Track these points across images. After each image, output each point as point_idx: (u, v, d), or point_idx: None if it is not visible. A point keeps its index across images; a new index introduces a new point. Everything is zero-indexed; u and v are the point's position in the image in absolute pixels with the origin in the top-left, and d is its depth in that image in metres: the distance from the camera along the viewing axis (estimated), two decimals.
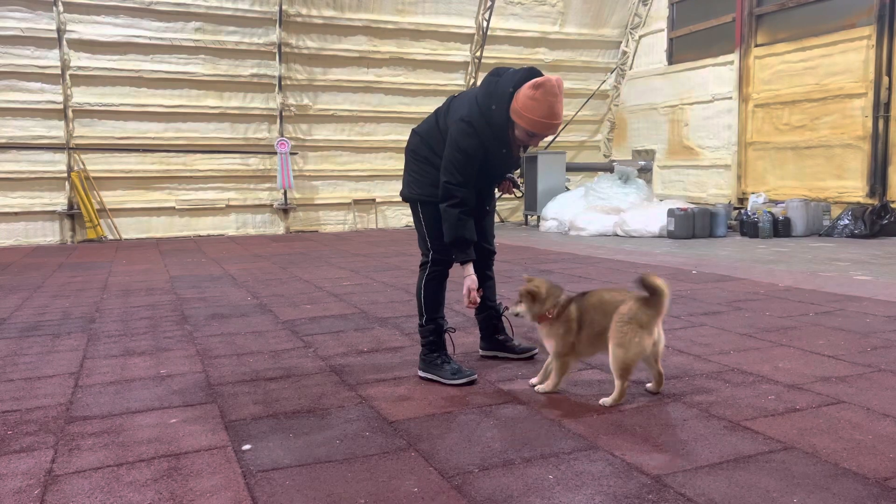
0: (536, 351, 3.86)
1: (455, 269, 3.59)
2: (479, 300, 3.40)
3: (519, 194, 3.85)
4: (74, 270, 8.35)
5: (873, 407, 2.92)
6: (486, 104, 3.25)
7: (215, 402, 3.19)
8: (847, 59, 10.94)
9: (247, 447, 2.64)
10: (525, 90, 3.15)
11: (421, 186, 3.47)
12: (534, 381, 3.33)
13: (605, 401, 3.02)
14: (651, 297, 2.98)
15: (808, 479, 2.26)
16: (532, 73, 3.22)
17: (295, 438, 2.72)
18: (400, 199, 3.64)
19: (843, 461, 2.39)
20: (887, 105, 10.39)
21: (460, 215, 3.27)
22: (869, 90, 10.61)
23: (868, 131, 10.64)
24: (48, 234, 12.28)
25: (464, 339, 4.24)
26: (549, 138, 14.37)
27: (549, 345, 3.18)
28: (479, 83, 3.19)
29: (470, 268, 3.35)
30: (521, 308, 3.22)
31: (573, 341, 3.12)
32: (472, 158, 3.26)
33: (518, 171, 3.70)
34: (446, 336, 3.55)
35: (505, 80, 3.26)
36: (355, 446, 2.63)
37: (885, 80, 10.35)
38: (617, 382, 3.01)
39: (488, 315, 3.82)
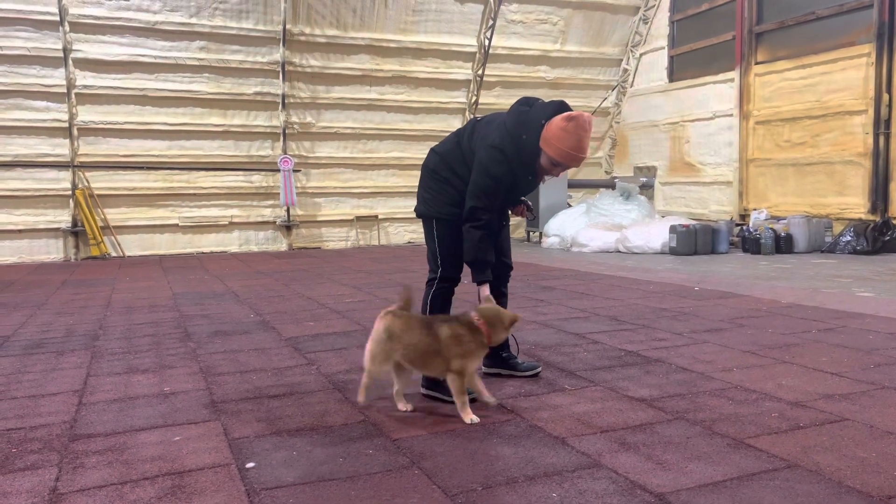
0: (540, 368, 3.87)
1: (461, 287, 3.61)
2: None
3: (531, 217, 3.91)
4: (78, 287, 8.37)
5: (877, 424, 2.92)
6: (517, 133, 3.33)
7: (219, 420, 3.19)
8: (847, 76, 11.00)
9: (250, 465, 2.65)
10: (557, 121, 3.25)
11: (438, 205, 3.51)
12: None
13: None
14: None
15: (811, 498, 2.25)
16: (563, 106, 3.35)
17: (298, 456, 2.72)
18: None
19: (847, 479, 2.38)
20: (888, 122, 10.43)
21: (484, 237, 3.36)
22: (869, 107, 10.66)
23: (869, 148, 10.68)
24: (52, 251, 12.32)
25: None
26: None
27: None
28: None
29: (486, 289, 3.39)
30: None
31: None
32: (501, 184, 3.35)
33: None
34: None
35: (536, 111, 3.35)
36: (358, 464, 2.63)
37: (885, 97, 10.41)
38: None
39: None
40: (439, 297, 3.54)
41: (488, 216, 3.37)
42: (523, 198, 3.72)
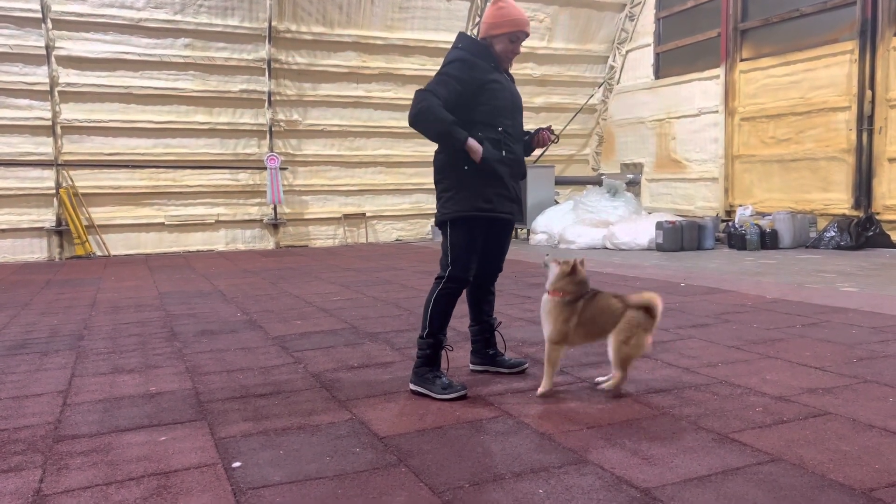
0: (527, 365, 3.88)
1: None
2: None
3: (555, 139, 3.81)
4: (62, 287, 8.30)
5: (859, 418, 2.95)
6: (458, 54, 3.49)
7: (205, 419, 3.18)
8: (830, 73, 11.09)
9: (237, 464, 2.64)
10: (489, 10, 3.55)
11: (446, 207, 3.52)
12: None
13: (607, 385, 3.40)
14: (649, 310, 3.33)
15: (795, 491, 2.28)
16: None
17: (285, 455, 2.72)
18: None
19: (830, 472, 2.41)
20: (871, 118, 10.53)
21: (433, 105, 3.28)
22: (852, 104, 10.76)
23: (852, 144, 10.78)
24: (36, 250, 12.20)
25: (454, 353, 4.23)
26: (538, 151, 14.45)
27: (547, 326, 3.35)
28: None
29: (472, 141, 3.34)
30: (554, 268, 3.40)
31: (567, 332, 3.33)
32: (456, 79, 3.38)
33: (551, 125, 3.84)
34: (442, 353, 3.55)
35: (459, 35, 3.63)
36: (346, 462, 2.63)
37: (868, 93, 10.50)
38: (618, 372, 3.34)
39: (482, 328, 3.84)
40: (445, 297, 3.50)
41: (432, 99, 3.29)
42: (543, 127, 3.74)
